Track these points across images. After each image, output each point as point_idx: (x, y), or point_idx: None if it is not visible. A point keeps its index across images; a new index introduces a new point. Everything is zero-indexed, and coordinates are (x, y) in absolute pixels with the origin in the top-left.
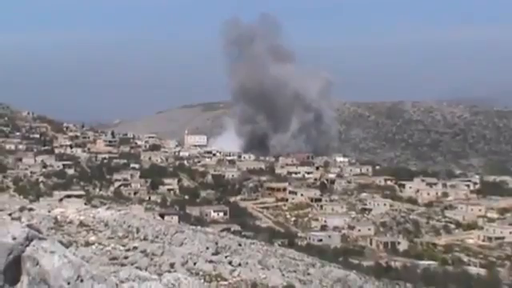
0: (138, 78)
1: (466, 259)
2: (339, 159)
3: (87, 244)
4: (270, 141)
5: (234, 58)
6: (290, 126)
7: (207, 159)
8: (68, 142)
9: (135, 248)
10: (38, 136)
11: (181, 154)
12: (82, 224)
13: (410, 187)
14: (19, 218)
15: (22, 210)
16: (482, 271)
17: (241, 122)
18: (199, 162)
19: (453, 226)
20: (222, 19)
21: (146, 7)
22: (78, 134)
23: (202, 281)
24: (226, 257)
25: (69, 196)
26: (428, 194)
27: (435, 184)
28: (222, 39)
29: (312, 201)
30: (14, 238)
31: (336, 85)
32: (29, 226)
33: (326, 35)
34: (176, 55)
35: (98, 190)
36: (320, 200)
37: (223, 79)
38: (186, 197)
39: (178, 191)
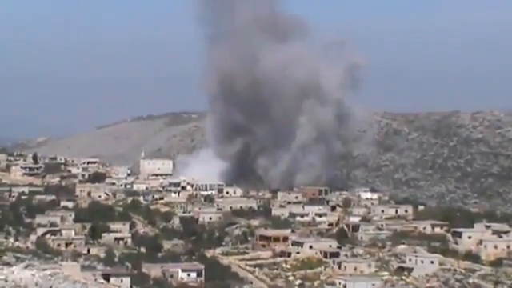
0: (70, 79)
1: None
2: (365, 195)
3: None
4: (260, 164)
5: (209, 37)
6: (295, 136)
7: (173, 195)
8: None
9: None
10: None
11: (135, 186)
12: None
13: (470, 237)
14: None
15: None
16: None
17: (222, 137)
18: (161, 198)
19: None
20: None
21: None
22: None
23: None
24: None
25: None
26: (495, 247)
27: (506, 233)
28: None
29: (326, 256)
30: None
31: (366, 78)
32: None
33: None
34: (127, 46)
35: (12, 239)
36: (338, 255)
37: (195, 79)
38: (142, 249)
39: (129, 241)
